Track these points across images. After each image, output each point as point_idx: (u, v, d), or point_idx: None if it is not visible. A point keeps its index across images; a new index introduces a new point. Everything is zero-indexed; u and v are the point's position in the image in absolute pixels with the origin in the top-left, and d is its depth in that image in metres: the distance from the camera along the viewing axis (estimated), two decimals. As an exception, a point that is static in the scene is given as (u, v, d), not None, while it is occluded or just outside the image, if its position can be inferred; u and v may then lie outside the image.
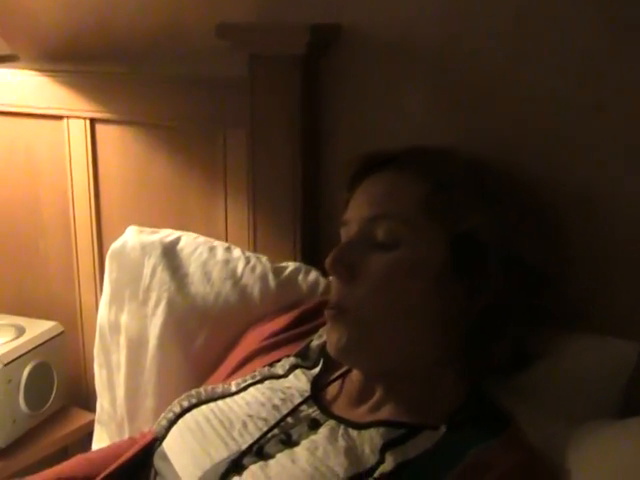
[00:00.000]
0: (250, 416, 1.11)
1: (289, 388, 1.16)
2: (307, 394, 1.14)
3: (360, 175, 1.15)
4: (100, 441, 1.66)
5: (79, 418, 1.92)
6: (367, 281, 1.06)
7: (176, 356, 1.48)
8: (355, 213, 1.12)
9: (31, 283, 2.04)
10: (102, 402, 1.64)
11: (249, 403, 1.14)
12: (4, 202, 2.03)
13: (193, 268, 1.49)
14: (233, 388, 1.20)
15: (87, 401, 1.96)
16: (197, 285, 1.47)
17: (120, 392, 1.57)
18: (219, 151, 1.63)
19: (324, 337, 1.21)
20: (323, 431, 1.06)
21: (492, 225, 1.08)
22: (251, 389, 1.18)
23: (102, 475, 1.23)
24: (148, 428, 1.41)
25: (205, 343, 1.46)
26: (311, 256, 1.53)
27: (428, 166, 1.11)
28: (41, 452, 1.81)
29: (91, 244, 1.88)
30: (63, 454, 1.78)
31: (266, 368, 1.23)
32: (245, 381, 1.21)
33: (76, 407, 1.95)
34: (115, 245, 1.55)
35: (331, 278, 1.12)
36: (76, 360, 1.97)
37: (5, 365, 1.73)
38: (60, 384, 1.89)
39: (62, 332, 1.90)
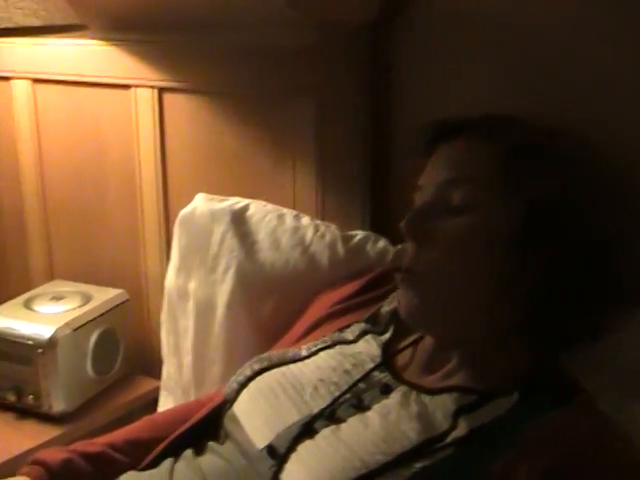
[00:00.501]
0: (321, 380, 1.12)
1: (360, 353, 1.17)
2: (378, 360, 1.14)
3: (436, 140, 1.15)
4: (165, 407, 1.69)
5: (144, 385, 1.95)
6: (442, 245, 1.06)
7: (244, 323, 1.50)
8: (431, 178, 1.12)
9: (97, 251, 2.07)
10: (169, 368, 1.67)
11: (320, 367, 1.15)
12: (71, 171, 2.07)
13: (262, 235, 1.51)
14: (304, 352, 1.21)
15: (151, 368, 1.98)
16: (266, 252, 1.49)
17: (187, 358, 1.59)
18: (288, 119, 1.64)
19: (394, 303, 1.22)
20: (395, 396, 1.07)
21: (567, 193, 1.07)
22: (322, 353, 1.19)
23: (171, 437, 1.26)
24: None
25: (273, 310, 1.48)
26: (379, 224, 1.54)
27: (506, 133, 1.11)
28: (106, 417, 1.84)
29: (157, 213, 1.90)
30: (128, 420, 1.81)
31: (336, 333, 1.24)
32: (316, 346, 1.22)
33: (141, 374, 1.99)
34: (184, 212, 1.58)
35: (405, 242, 1.12)
36: (141, 327, 2.00)
37: (74, 331, 1.76)
38: (125, 351, 1.93)
39: (128, 300, 1.93)
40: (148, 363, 2.00)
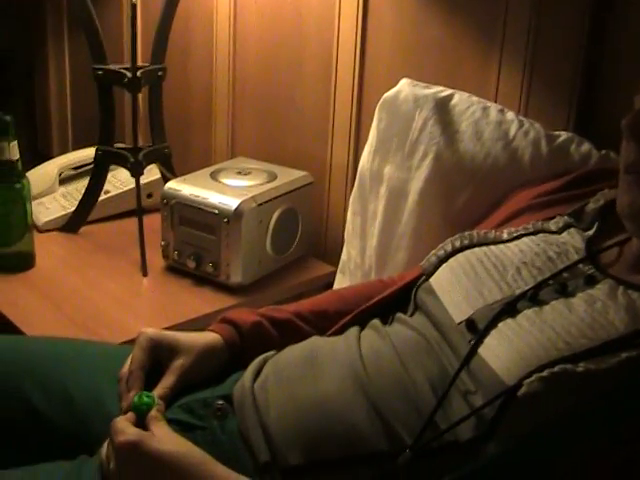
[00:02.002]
0: (524, 263, 1.16)
1: (564, 244, 1.19)
2: (583, 253, 1.17)
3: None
4: (341, 289, 1.76)
5: (317, 269, 2.05)
6: None
7: (435, 212, 1.56)
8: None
9: (283, 133, 2.17)
10: (350, 250, 1.75)
11: (523, 251, 1.19)
12: (265, 52, 2.15)
13: (464, 126, 1.55)
14: (505, 236, 1.25)
15: (325, 254, 2.09)
16: (467, 143, 1.54)
17: (372, 242, 1.66)
18: (500, 11, 1.65)
19: (602, 201, 1.25)
20: (601, 287, 1.09)
21: None
22: (524, 239, 1.23)
23: (360, 308, 1.33)
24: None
25: (467, 202, 1.54)
26: (585, 128, 1.55)
27: None
28: (278, 296, 1.94)
29: (350, 99, 1.96)
30: (297, 301, 1.91)
31: (539, 222, 1.27)
32: (517, 231, 1.26)
33: (314, 258, 2.08)
34: (388, 95, 1.63)
35: (625, 142, 1.13)
36: (320, 212, 2.09)
37: (259, 205, 1.85)
38: (303, 233, 2.02)
39: (311, 182, 2.01)
40: (322, 248, 2.10)
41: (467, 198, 1.53)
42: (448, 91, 1.62)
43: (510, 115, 1.56)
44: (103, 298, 1.87)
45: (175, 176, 2.09)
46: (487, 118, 1.56)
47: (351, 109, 1.97)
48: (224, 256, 1.85)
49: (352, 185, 1.78)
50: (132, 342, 1.53)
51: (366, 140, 1.73)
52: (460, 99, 1.60)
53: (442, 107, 1.58)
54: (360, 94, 1.95)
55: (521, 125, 1.54)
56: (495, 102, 1.67)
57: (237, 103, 2.26)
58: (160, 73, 2.06)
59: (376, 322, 1.26)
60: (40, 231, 2.16)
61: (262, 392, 1.16)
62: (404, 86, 1.63)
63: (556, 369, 0.98)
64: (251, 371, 1.21)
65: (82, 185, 2.23)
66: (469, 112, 1.57)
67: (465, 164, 1.53)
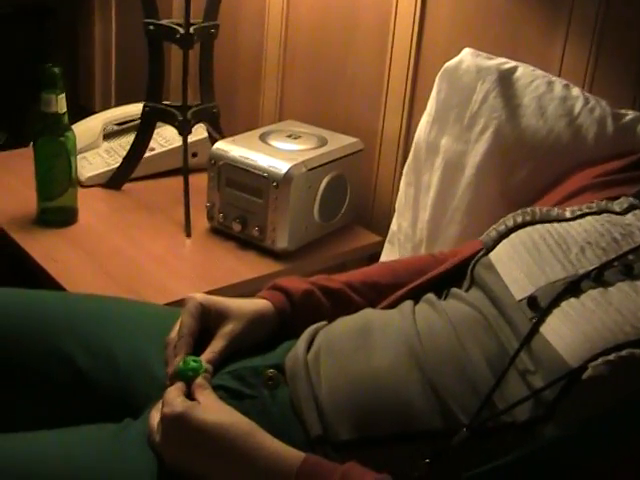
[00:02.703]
0: (589, 243, 1.15)
1: (629, 225, 1.18)
2: (649, 236, 1.17)
3: None
4: (389, 259, 1.76)
5: (363, 237, 2.05)
6: None
7: (492, 187, 1.56)
8: None
9: (334, 98, 2.16)
10: (400, 221, 1.74)
11: (587, 231, 1.18)
12: (319, 15, 2.15)
13: (527, 100, 1.55)
14: (568, 214, 1.24)
15: (371, 223, 2.09)
16: (529, 118, 1.53)
17: (424, 214, 1.66)
18: (569, -16, 1.64)
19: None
20: None
21: None
22: (588, 218, 1.21)
23: (415, 282, 1.33)
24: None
25: (526, 178, 1.53)
26: (652, 107, 1.54)
27: None
28: (322, 263, 1.95)
29: (406, 67, 1.95)
30: (341, 270, 1.91)
31: (603, 202, 1.26)
32: (581, 210, 1.25)
33: (360, 226, 2.09)
34: (449, 64, 1.62)
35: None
36: (369, 181, 2.09)
37: (308, 170, 1.86)
38: (351, 201, 2.02)
39: (362, 149, 2.01)
40: (369, 218, 2.10)
41: (526, 174, 1.53)
42: (512, 63, 1.61)
43: (575, 91, 1.55)
44: (145, 257, 1.88)
45: (222, 136, 2.09)
46: (551, 93, 1.55)
47: (406, 77, 1.96)
48: (271, 220, 1.86)
49: (403, 155, 1.78)
50: (174, 304, 1.55)
51: (420, 110, 1.72)
52: (524, 72, 1.59)
53: (505, 80, 1.57)
54: (417, 63, 1.93)
55: (587, 102, 1.53)
56: (559, 76, 1.65)
57: (287, 68, 2.26)
58: (213, 30, 2.05)
59: (431, 296, 1.25)
60: (83, 186, 2.17)
61: (315, 364, 1.16)
62: (466, 56, 1.62)
63: (624, 353, 0.97)
64: (304, 341, 1.21)
65: (126, 141, 2.24)
66: (533, 86, 1.56)
67: (526, 140, 1.53)
